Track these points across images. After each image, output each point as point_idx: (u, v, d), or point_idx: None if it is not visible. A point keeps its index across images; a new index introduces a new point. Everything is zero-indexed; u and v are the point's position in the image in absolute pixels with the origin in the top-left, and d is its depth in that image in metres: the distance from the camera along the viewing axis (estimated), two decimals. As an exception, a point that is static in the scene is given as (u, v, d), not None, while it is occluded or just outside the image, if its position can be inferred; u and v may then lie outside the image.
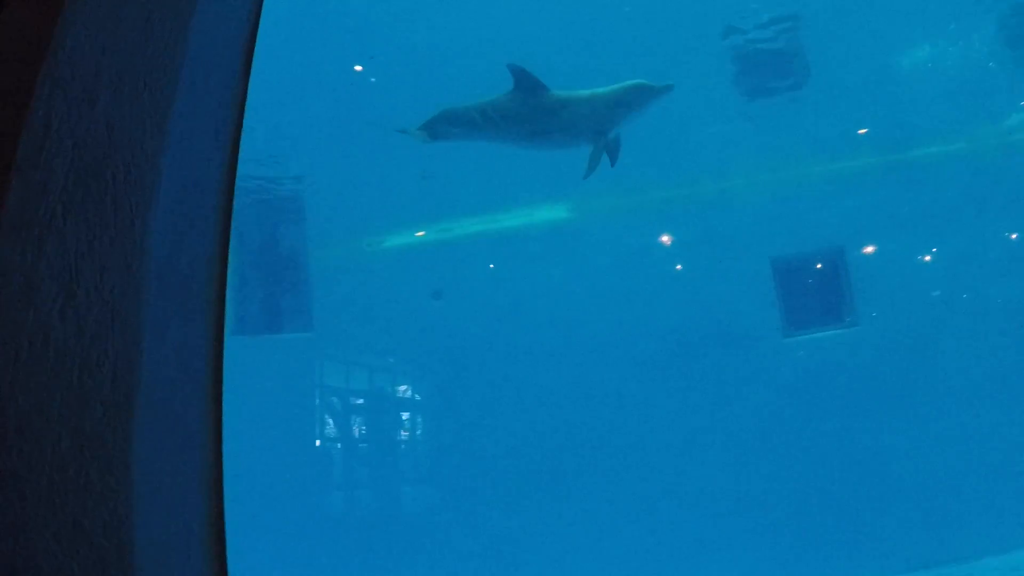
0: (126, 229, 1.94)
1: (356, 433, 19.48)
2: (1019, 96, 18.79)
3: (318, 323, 18.92)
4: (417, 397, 19.84)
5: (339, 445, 19.47)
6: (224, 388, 2.34)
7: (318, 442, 19.15)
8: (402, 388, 19.84)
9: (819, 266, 18.61)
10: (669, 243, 19.41)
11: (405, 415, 19.82)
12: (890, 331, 17.90)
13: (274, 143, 17.18)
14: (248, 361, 16.82)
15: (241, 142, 2.48)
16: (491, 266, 19.10)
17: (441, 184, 18.62)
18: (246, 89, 2.46)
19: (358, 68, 17.43)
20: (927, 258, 18.58)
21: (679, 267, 19.10)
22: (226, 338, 2.31)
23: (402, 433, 19.87)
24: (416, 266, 19.16)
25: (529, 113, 13.80)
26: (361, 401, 19.61)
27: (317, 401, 19.07)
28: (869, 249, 18.53)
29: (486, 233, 19.06)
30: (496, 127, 13.97)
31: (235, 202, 2.37)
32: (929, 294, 18.13)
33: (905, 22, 17.37)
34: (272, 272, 18.86)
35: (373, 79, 17.69)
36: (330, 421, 19.36)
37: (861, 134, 18.89)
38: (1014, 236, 18.36)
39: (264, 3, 2.63)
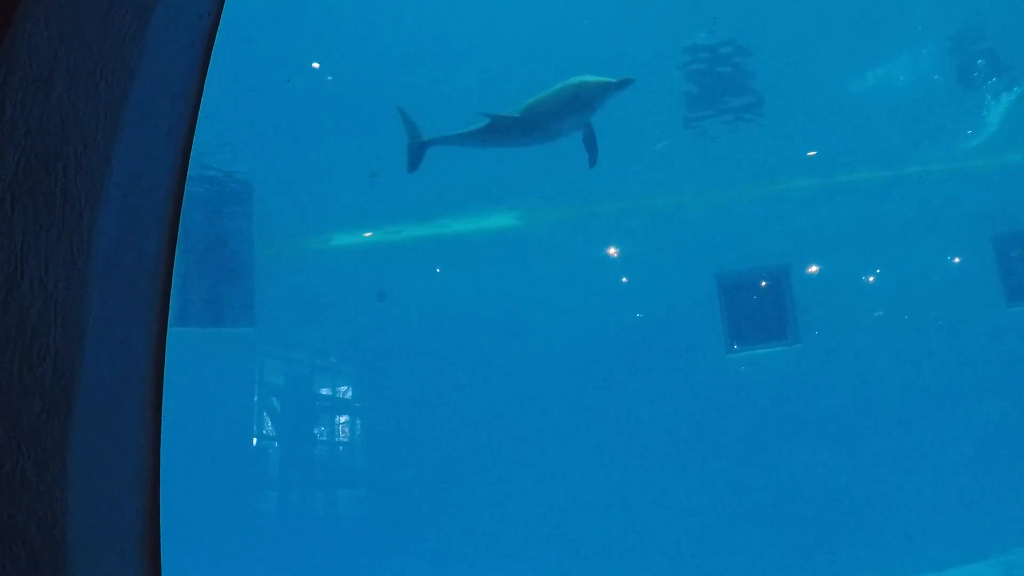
0: (74, 222, 1.91)
1: (294, 432, 19.29)
2: (966, 122, 19.12)
3: (260, 319, 18.73)
4: (357, 398, 19.70)
5: (276, 444, 19.29)
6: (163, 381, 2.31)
7: (255, 440, 18.96)
8: (342, 388, 19.71)
9: (764, 284, 18.79)
10: (616, 255, 19.46)
11: (343, 416, 19.67)
12: (832, 350, 18.13)
13: (227, 134, 17.01)
14: (188, 353, 16.64)
15: (194, 140, 2.45)
16: (437, 270, 19.02)
17: (390, 186, 18.54)
18: (202, 87, 2.42)
19: (315, 65, 17.35)
20: (871, 279, 18.80)
21: (625, 279, 19.16)
22: (167, 330, 2.28)
23: (340, 434, 19.72)
24: (362, 266, 19.06)
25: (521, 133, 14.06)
26: (300, 400, 19.44)
27: (256, 398, 18.87)
28: (814, 268, 18.74)
29: (434, 237, 19.01)
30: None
31: (184, 191, 2.34)
32: (872, 314, 18.39)
33: (856, 47, 17.64)
34: (217, 264, 18.66)
35: (330, 77, 17.61)
36: (268, 419, 19.16)
37: (810, 156, 19.11)
38: (956, 260, 18.67)
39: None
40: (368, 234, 19.50)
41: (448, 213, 19.06)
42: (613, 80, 13.05)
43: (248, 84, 16.40)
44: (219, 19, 2.60)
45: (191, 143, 2.38)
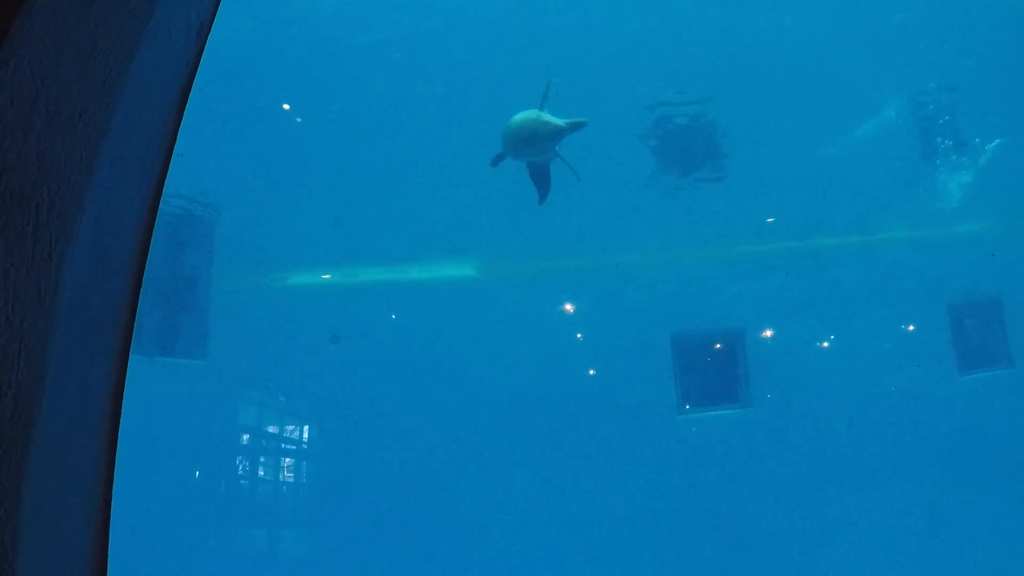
0: (43, 262, 1.93)
1: (239, 469, 19.06)
2: (925, 191, 19.46)
3: (213, 352, 18.56)
4: (304, 438, 19.54)
5: (221, 479, 19.02)
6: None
7: (197, 473, 18.71)
8: (290, 428, 19.52)
9: (718, 346, 18.93)
10: (572, 311, 19.56)
11: (289, 456, 19.49)
12: (784, 414, 18.29)
13: (195, 166, 16.98)
14: (138, 380, 16.35)
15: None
16: (393, 316, 19.01)
17: (352, 230, 18.60)
18: (177, 131, 2.45)
19: (286, 107, 17.43)
20: (825, 344, 19.01)
21: (579, 335, 19.25)
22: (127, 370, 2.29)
23: (285, 473, 19.52)
24: (318, 307, 18.97)
25: None
26: (247, 436, 19.23)
27: (204, 432, 18.62)
28: (768, 332, 18.93)
29: (391, 282, 18.98)
30: None
31: (153, 234, 2.36)
32: (825, 380, 18.56)
33: (819, 115, 18.01)
34: (173, 293, 18.46)
35: (299, 119, 17.69)
36: (215, 454, 18.91)
37: (769, 221, 19.36)
38: (911, 328, 18.92)
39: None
40: (326, 276, 19.43)
41: (407, 259, 19.06)
42: (563, 122, 13.02)
43: (220, 119, 16.43)
44: (198, 65, 2.63)
45: (162, 187, 2.40)
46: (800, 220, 19.15)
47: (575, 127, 13.01)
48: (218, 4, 2.58)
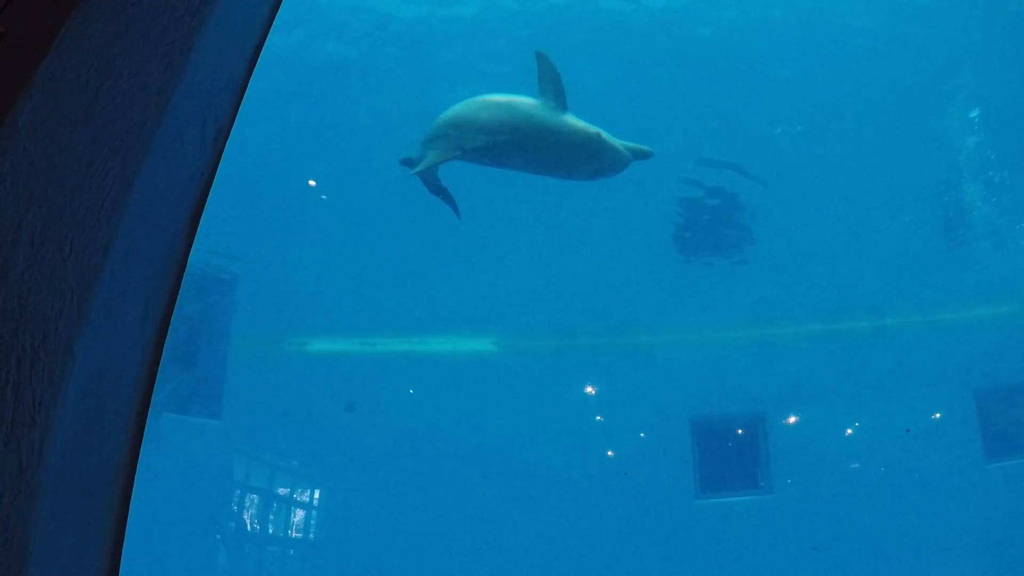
0: (25, 427, 1.66)
1: (249, 528, 18.73)
2: (949, 275, 19.20)
3: (227, 413, 18.32)
4: (315, 503, 19.23)
5: (231, 540, 18.70)
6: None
7: (217, 534, 18.43)
8: (302, 493, 19.21)
9: (739, 431, 18.59)
10: (592, 392, 19.29)
11: (299, 520, 19.17)
12: (806, 501, 17.87)
13: (218, 224, 16.91)
14: (151, 436, 16.12)
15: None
16: (411, 391, 18.78)
17: (371, 298, 18.46)
18: (185, 262, 2.19)
19: (312, 183, 17.41)
20: (849, 430, 18.64)
21: (599, 417, 18.96)
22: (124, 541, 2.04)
23: (293, 537, 19.18)
24: (334, 375, 18.79)
25: None
26: (257, 498, 18.92)
27: (216, 491, 18.31)
28: (792, 419, 18.58)
29: (409, 353, 18.80)
30: None
31: (155, 383, 2.11)
32: (848, 466, 18.18)
33: (845, 200, 17.82)
34: (190, 352, 18.28)
35: (324, 196, 17.67)
36: (226, 514, 18.61)
37: (793, 302, 19.11)
38: (937, 416, 18.55)
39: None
40: (344, 343, 19.25)
41: (426, 331, 18.89)
42: (628, 148, 10.32)
43: (249, 189, 16.42)
44: (212, 181, 2.38)
45: (167, 329, 2.14)
46: (824, 303, 18.89)
47: (640, 156, 10.53)
48: (239, 105, 2.31)
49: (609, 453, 18.46)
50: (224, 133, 2.35)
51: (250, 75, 2.36)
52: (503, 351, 19.08)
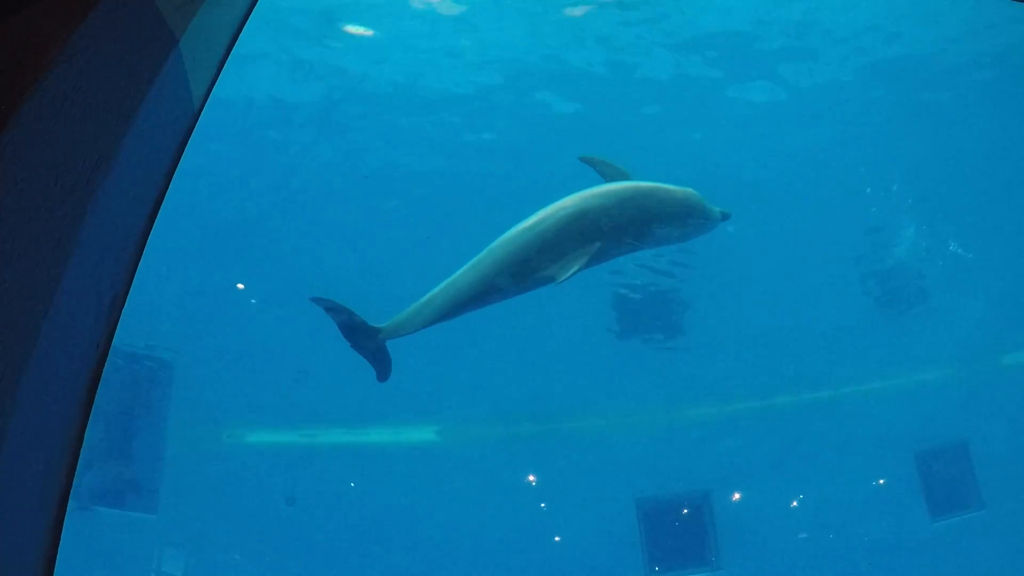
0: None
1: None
2: (883, 344, 19.49)
3: (164, 506, 17.89)
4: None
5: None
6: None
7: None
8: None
9: (685, 510, 18.53)
10: (535, 480, 19.17)
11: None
12: (756, 573, 17.81)
13: (151, 317, 16.75)
14: (86, 532, 15.79)
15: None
16: (352, 484, 18.52)
17: (311, 389, 18.28)
18: (81, 443, 2.08)
19: (240, 287, 17.36)
20: (794, 502, 18.68)
21: (543, 504, 18.82)
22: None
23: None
24: (275, 467, 18.48)
25: None
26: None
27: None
28: (736, 494, 18.59)
29: (350, 445, 18.59)
30: None
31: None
32: (796, 536, 18.19)
33: (781, 282, 18.14)
34: (125, 445, 17.87)
35: (253, 301, 17.61)
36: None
37: (732, 381, 19.26)
38: (881, 481, 18.70)
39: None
40: (282, 435, 18.97)
41: (367, 421, 18.70)
42: (719, 209, 10.09)
43: (178, 278, 16.34)
44: (109, 348, 2.26)
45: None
46: (762, 379, 19.07)
47: (725, 217, 10.35)
48: (134, 272, 2.24)
49: (556, 539, 18.28)
50: (120, 301, 2.25)
51: (147, 235, 2.32)
52: (445, 440, 18.94)
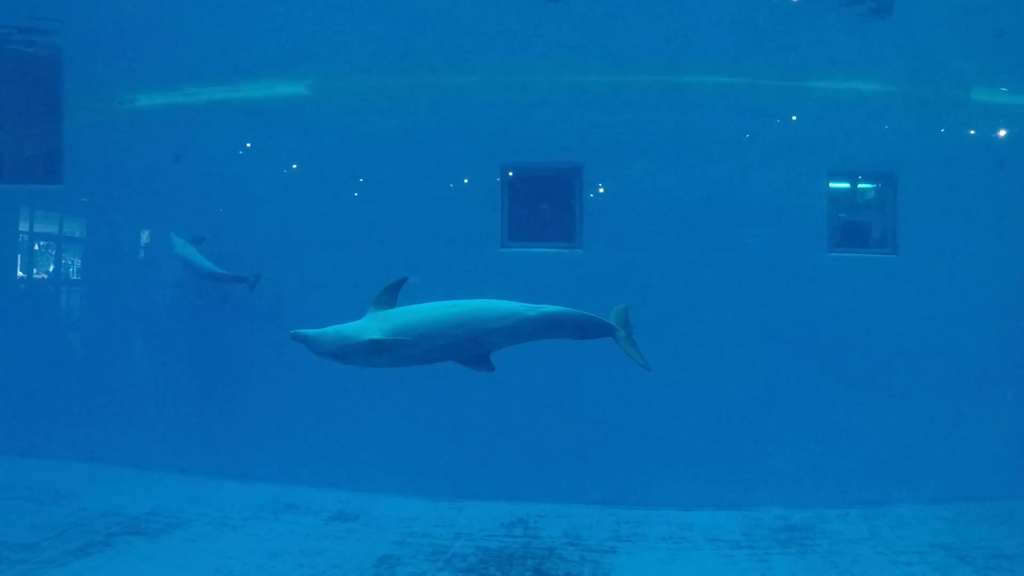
0: None
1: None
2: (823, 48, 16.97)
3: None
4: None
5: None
6: None
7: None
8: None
9: (552, 182, 17.61)
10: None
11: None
12: (618, 254, 17.07)
13: None
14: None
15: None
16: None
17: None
18: None
19: None
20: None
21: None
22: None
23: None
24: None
25: None
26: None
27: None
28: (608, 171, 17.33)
29: (226, 102, 18.50)
30: None
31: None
32: (666, 223, 17.08)
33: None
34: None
35: None
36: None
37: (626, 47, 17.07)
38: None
39: None
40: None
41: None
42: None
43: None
44: None
45: None
46: (666, 50, 16.86)
47: None
48: None
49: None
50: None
51: None
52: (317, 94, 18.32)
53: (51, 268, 19.93)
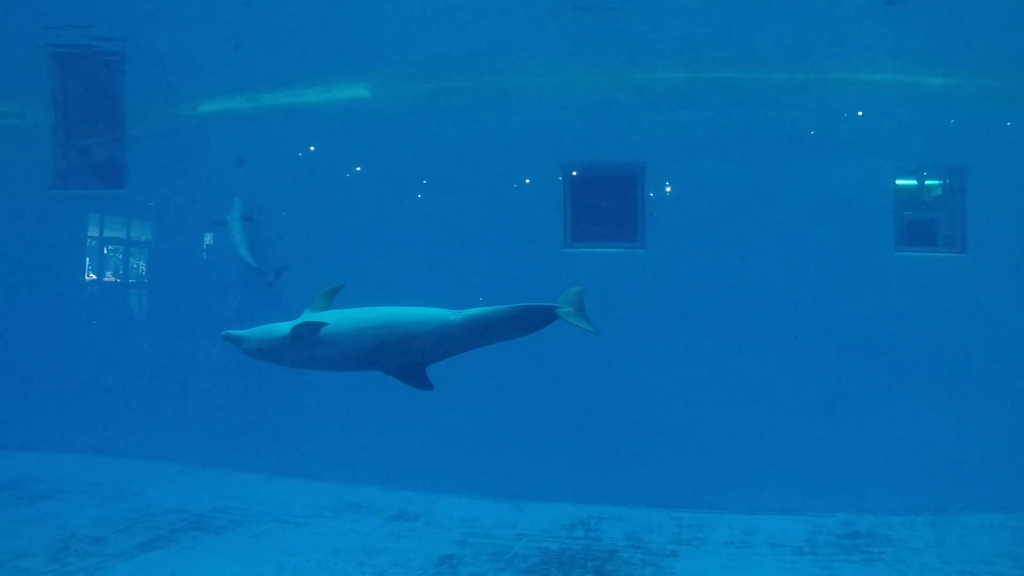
0: None
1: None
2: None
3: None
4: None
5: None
6: None
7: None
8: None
9: (615, 181, 17.52)
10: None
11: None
12: (681, 255, 16.97)
13: None
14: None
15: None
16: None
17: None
18: None
19: None
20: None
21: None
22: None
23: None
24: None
25: None
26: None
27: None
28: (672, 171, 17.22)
29: (287, 106, 18.66)
30: None
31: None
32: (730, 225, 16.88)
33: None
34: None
35: None
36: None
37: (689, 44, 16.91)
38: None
39: None
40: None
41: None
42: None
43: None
44: None
45: None
46: (727, 47, 16.71)
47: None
48: None
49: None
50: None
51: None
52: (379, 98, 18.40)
53: (117, 271, 20.19)
